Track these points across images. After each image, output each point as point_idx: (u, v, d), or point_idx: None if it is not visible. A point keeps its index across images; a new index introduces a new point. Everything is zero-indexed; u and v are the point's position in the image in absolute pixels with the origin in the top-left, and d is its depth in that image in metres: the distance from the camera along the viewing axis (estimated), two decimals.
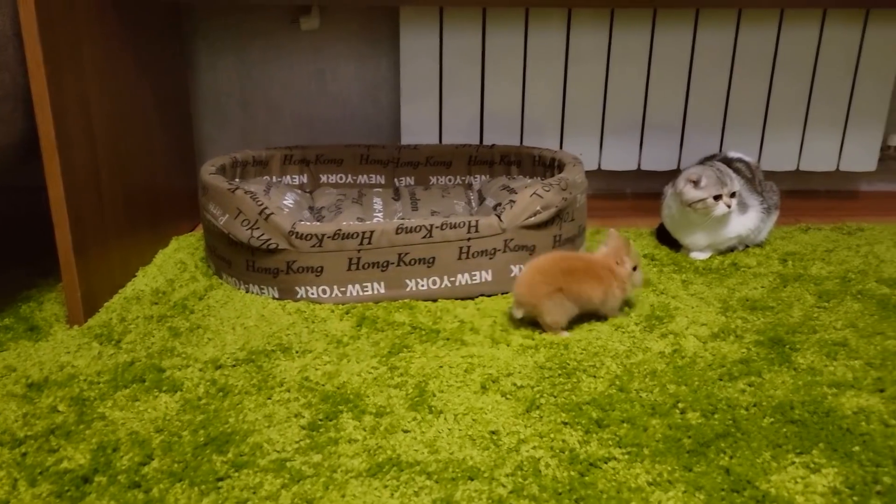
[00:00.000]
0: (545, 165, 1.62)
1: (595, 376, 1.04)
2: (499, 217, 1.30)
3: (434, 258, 1.27)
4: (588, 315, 1.22)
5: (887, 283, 1.37)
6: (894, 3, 1.64)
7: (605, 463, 0.85)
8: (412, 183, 1.74)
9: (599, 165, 1.79)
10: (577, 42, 1.69)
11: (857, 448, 0.87)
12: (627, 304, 1.26)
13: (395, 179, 1.73)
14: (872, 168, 1.81)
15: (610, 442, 0.89)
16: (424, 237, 1.26)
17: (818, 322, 1.21)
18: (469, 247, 1.28)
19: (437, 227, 1.26)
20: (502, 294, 1.31)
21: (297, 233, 1.24)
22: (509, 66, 1.70)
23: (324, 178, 1.71)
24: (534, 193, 1.31)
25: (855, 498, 0.79)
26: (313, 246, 1.24)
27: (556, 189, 1.33)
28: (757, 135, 1.77)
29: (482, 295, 1.31)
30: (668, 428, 0.91)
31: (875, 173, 1.90)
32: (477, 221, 1.28)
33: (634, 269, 1.22)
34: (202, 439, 0.89)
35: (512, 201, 1.32)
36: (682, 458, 0.85)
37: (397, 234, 1.25)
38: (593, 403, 0.97)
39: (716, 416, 0.94)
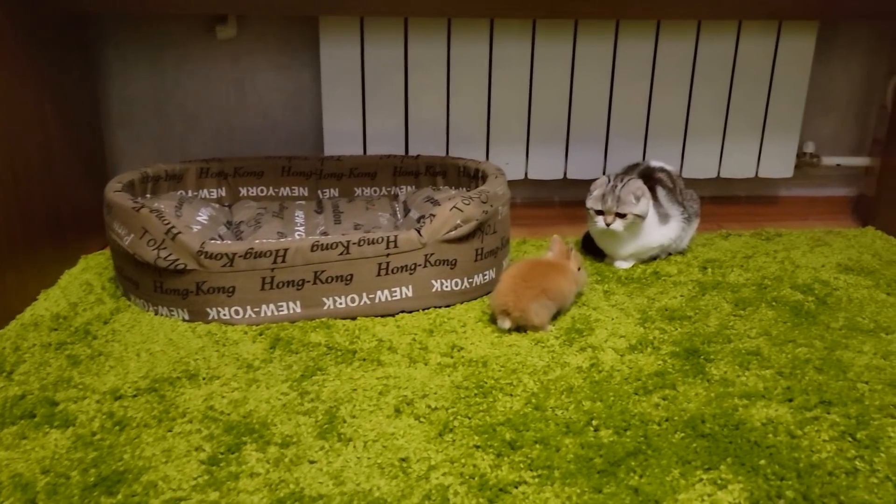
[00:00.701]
0: (470, 176, 1.60)
1: (511, 395, 1.03)
2: (418, 231, 1.27)
3: (352, 275, 1.24)
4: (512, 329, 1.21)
5: (800, 289, 1.40)
6: (804, 16, 1.69)
7: (516, 487, 0.83)
8: (336, 195, 1.70)
9: (526, 174, 1.79)
10: (500, 52, 1.68)
11: (763, 461, 0.88)
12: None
13: (319, 192, 1.69)
14: (789, 174, 1.86)
15: (521, 465, 0.87)
16: (341, 254, 1.23)
17: (733, 331, 1.23)
18: (388, 263, 1.25)
19: (354, 244, 1.23)
20: (423, 310, 1.29)
21: (207, 252, 1.19)
22: (433, 75, 1.68)
23: (243, 192, 1.65)
24: (453, 207, 1.29)
25: None
26: (224, 265, 1.19)
27: (477, 202, 1.32)
28: (678, 143, 1.80)
29: (403, 311, 1.28)
30: (580, 447, 0.90)
31: (792, 179, 1.95)
32: (396, 236, 1.25)
33: (578, 269, 1.32)
34: (92, 479, 0.84)
35: (432, 215, 1.30)
36: (592, 478, 0.85)
37: (313, 251, 1.22)
38: (507, 424, 0.95)
39: (628, 432, 0.93)
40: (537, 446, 0.90)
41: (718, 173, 1.83)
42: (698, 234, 1.68)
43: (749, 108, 1.79)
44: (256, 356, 1.12)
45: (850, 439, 0.93)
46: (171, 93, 1.72)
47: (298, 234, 1.48)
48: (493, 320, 1.24)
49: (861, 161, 1.94)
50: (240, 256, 1.19)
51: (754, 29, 1.73)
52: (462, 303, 1.33)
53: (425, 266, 1.28)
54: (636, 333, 1.22)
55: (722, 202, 1.94)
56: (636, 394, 1.03)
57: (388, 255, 1.25)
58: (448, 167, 1.65)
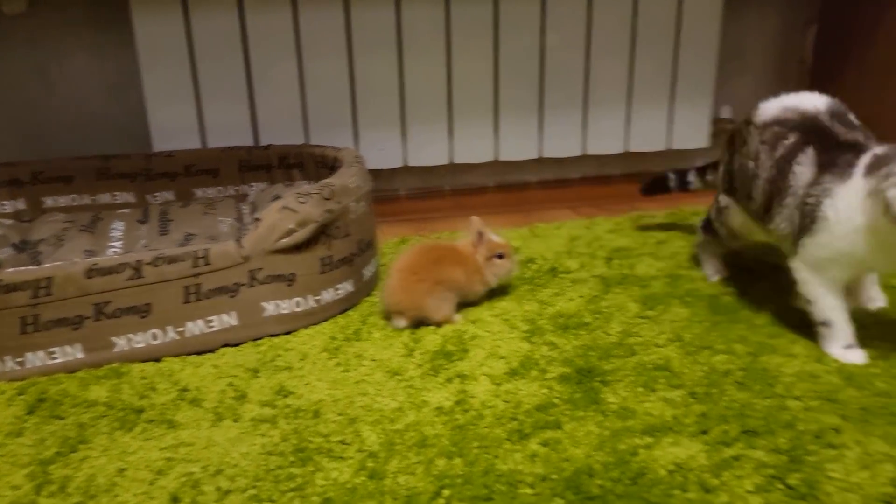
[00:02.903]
0: (329, 167, 1.33)
1: (342, 458, 0.76)
2: (238, 241, 0.99)
3: (150, 304, 0.95)
4: (360, 359, 0.95)
5: None
6: None
7: None
8: (172, 198, 1.40)
9: (405, 161, 1.52)
10: (361, 13, 1.40)
11: None
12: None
13: (150, 196, 1.39)
14: (705, 144, 1.65)
15: None
16: (131, 278, 0.94)
17: (638, 339, 0.99)
18: (199, 285, 0.97)
19: (148, 264, 0.94)
20: (253, 341, 1.01)
21: None
22: (279, 48, 1.39)
23: (49, 202, 1.34)
24: (284, 207, 1.02)
25: None
26: None
27: (317, 199, 1.04)
28: (577, 114, 1.56)
29: (227, 345, 1.00)
30: None
31: (710, 149, 1.74)
32: (206, 251, 0.97)
33: (500, 257, 1.10)
34: None
35: (257, 219, 1.02)
36: None
37: (89, 277, 0.92)
38: None
39: None
40: None
41: (625, 147, 1.60)
42: (605, 220, 1.45)
43: (654, 69, 1.56)
44: (2, 427, 0.83)
45: (780, 486, 0.70)
46: None
47: (114, 251, 1.19)
48: (387, 318, 1.05)
49: None
50: None
51: None
52: (307, 327, 1.05)
53: (251, 285, 1.00)
54: (520, 352, 0.97)
55: (634, 180, 1.72)
56: (509, 440, 0.78)
57: (196, 275, 0.96)
58: (304, 157, 1.37)
